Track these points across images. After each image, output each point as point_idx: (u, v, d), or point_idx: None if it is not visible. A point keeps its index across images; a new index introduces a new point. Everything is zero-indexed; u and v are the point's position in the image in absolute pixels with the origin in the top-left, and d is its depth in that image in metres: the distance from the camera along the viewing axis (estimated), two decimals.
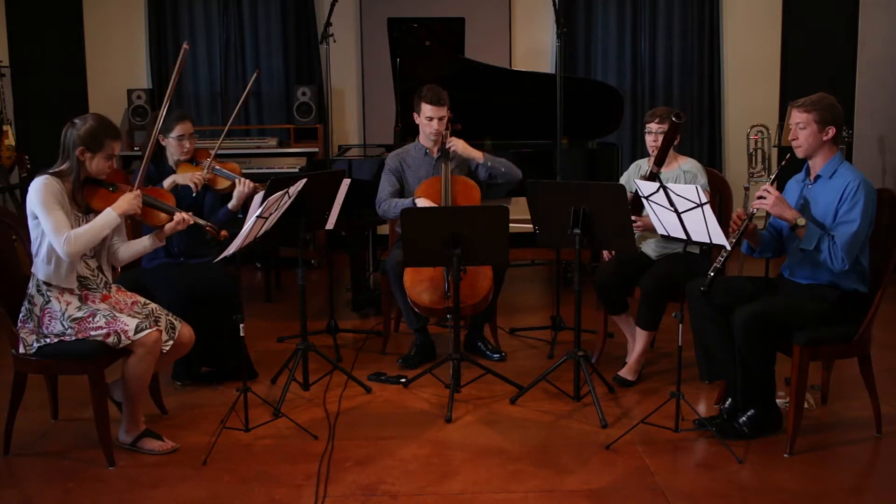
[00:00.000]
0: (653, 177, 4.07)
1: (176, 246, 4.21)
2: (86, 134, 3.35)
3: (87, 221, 3.42)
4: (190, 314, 3.74)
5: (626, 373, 4.24)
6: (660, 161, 4.12)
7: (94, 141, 3.35)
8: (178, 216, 3.58)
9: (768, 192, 3.45)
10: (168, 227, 3.59)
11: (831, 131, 3.48)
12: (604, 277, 4.31)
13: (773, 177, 3.61)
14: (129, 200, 3.43)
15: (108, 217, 3.39)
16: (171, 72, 7.19)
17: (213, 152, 4.19)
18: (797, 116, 3.51)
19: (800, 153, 3.54)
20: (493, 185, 4.82)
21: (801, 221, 3.43)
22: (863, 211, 3.37)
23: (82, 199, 3.43)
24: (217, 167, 4.19)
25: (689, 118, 7.25)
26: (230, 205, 4.22)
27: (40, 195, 3.30)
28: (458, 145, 4.54)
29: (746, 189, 6.41)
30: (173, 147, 4.16)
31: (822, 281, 3.52)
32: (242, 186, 4.17)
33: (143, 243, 3.65)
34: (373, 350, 4.81)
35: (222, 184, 4.19)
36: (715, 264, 3.56)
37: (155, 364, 3.46)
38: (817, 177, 3.54)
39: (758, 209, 3.52)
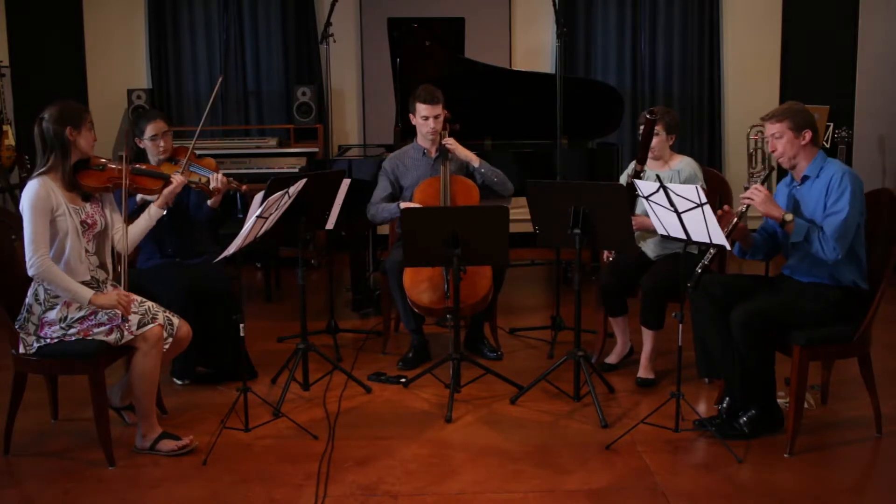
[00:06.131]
0: (637, 175, 4.14)
1: (169, 247, 4.21)
2: (64, 115, 3.42)
3: (86, 210, 3.46)
4: (189, 313, 3.74)
5: (644, 373, 4.25)
6: (642, 159, 4.17)
7: (75, 117, 3.43)
8: (176, 178, 3.81)
9: (758, 190, 3.50)
10: (167, 190, 3.78)
11: (808, 135, 3.52)
12: (606, 280, 4.31)
13: (762, 177, 3.66)
14: (112, 299, 3.39)
15: (83, 293, 3.35)
16: (171, 72, 7.19)
17: (189, 149, 4.06)
18: (771, 128, 3.57)
19: (783, 162, 3.59)
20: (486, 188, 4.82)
21: (789, 217, 3.48)
22: (850, 199, 3.40)
23: (77, 184, 3.46)
24: (193, 164, 4.09)
25: (689, 118, 7.25)
26: (210, 202, 4.16)
27: (30, 202, 3.35)
28: (455, 146, 4.54)
29: (746, 189, 6.41)
30: (150, 148, 4.13)
31: (822, 279, 3.53)
32: (216, 182, 4.03)
33: (147, 216, 3.75)
34: (373, 350, 4.81)
35: (196, 178, 4.06)
36: (703, 260, 3.56)
37: (160, 361, 3.46)
38: (805, 177, 3.57)
39: (747, 206, 3.55)
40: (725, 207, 3.63)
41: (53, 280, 3.34)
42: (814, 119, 3.57)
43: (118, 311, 3.41)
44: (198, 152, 4.23)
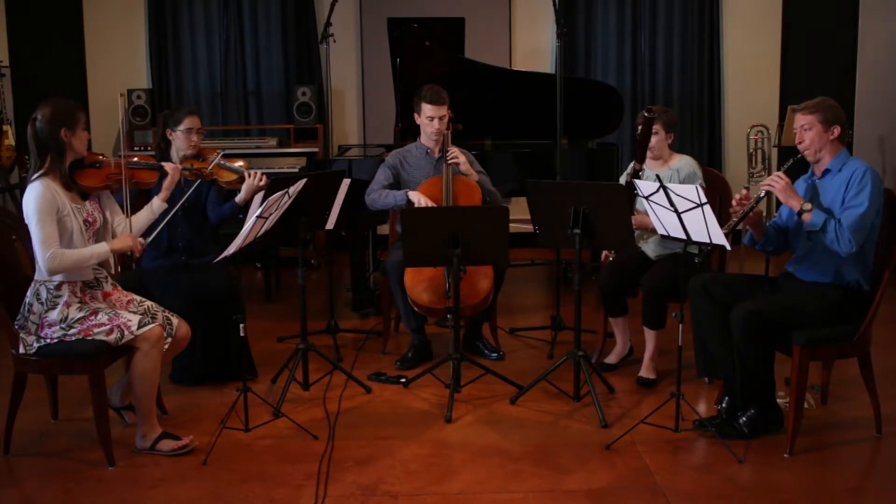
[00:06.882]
0: (635, 173, 4.14)
1: (179, 242, 4.21)
2: (58, 116, 3.38)
3: (86, 209, 3.45)
4: (191, 314, 3.74)
5: (645, 373, 4.25)
6: (641, 158, 4.16)
7: (68, 117, 3.40)
8: (170, 167, 3.83)
9: (780, 177, 3.50)
10: (167, 182, 3.78)
11: (836, 130, 3.52)
12: (606, 280, 4.32)
13: (785, 166, 3.63)
14: (127, 242, 3.49)
15: (100, 250, 3.42)
16: (171, 72, 7.20)
17: (220, 151, 4.18)
18: (801, 119, 3.54)
19: (808, 155, 3.56)
20: None
21: (808, 206, 3.46)
22: (870, 195, 3.40)
23: (76, 185, 3.45)
24: (224, 162, 4.15)
25: (689, 118, 7.25)
26: (237, 198, 4.16)
27: (36, 204, 3.31)
28: (460, 159, 4.52)
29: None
30: (181, 140, 4.13)
31: (826, 277, 3.53)
32: (253, 179, 4.11)
33: (149, 209, 3.74)
34: (373, 350, 4.81)
35: (227, 177, 4.13)
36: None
37: (160, 361, 3.46)
38: (826, 171, 3.56)
39: (766, 192, 3.54)
40: (744, 192, 3.62)
41: (72, 260, 3.33)
42: (844, 116, 3.56)
43: (117, 311, 3.41)
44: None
